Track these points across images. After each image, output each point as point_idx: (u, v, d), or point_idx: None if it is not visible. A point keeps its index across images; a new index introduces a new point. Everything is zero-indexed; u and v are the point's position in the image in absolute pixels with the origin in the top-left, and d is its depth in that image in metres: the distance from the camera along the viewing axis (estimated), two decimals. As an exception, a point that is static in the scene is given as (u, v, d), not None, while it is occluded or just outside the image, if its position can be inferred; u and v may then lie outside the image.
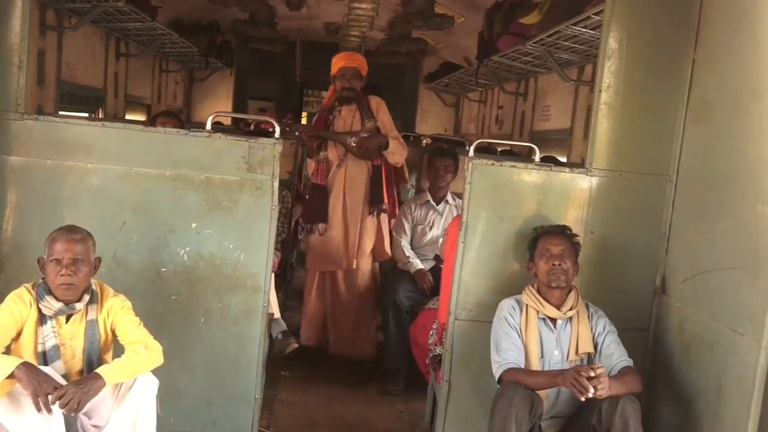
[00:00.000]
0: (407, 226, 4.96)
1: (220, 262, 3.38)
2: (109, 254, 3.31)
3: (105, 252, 3.25)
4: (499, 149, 6.23)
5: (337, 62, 4.83)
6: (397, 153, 4.76)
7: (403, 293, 4.64)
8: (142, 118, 7.45)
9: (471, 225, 3.43)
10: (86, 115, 6.35)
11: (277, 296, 4.44)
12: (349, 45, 8.90)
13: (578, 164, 4.38)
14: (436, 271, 4.79)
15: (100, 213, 3.31)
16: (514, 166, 3.44)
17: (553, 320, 3.21)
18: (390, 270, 5.07)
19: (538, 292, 3.23)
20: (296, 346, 4.19)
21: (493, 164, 3.43)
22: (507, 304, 3.27)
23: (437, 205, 4.98)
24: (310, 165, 4.91)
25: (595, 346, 3.18)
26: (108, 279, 3.16)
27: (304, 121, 13.91)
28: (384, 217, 4.90)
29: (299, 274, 7.26)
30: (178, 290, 3.38)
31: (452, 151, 5.08)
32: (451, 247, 3.61)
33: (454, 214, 4.95)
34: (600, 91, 3.43)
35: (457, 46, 9.58)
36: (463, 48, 9.49)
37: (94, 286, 2.90)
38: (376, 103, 4.85)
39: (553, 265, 3.19)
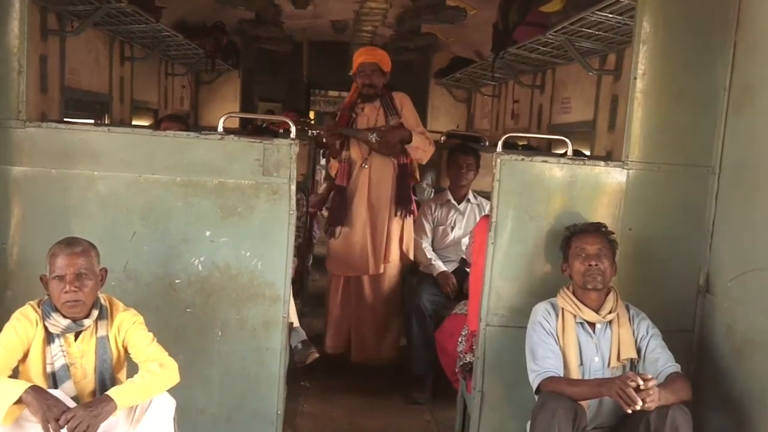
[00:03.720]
0: (428, 227, 4.77)
1: (236, 271, 3.20)
2: (120, 266, 3.14)
3: (115, 264, 3.10)
4: (520, 144, 6.02)
5: (357, 58, 4.66)
6: (420, 148, 4.57)
7: (427, 297, 4.44)
8: (148, 123, 7.26)
9: (500, 225, 3.23)
10: (92, 121, 6.17)
11: (295, 304, 4.26)
12: (359, 42, 8.71)
13: (611, 158, 4.19)
14: (459, 273, 4.60)
15: (108, 223, 3.14)
16: (546, 161, 3.24)
17: (592, 324, 3.01)
18: (410, 272, 4.88)
19: (574, 294, 3.04)
20: (317, 356, 4.00)
21: (522, 160, 3.23)
22: (541, 309, 3.07)
23: (458, 204, 4.79)
24: (333, 166, 4.74)
25: (638, 351, 2.98)
26: (119, 292, 3.00)
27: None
28: (409, 218, 4.71)
29: (314, 278, 7.08)
30: (193, 302, 3.19)
31: (474, 148, 4.88)
32: (479, 250, 3.42)
33: (477, 214, 4.77)
34: (635, 78, 3.23)
35: (468, 41, 9.36)
36: (474, 42, 9.27)
37: (102, 301, 2.72)
38: (400, 99, 4.66)
39: (590, 265, 2.99)
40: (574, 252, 3.06)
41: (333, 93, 18.33)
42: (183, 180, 3.14)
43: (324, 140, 4.67)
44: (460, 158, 4.73)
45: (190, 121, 9.53)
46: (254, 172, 3.15)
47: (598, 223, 3.12)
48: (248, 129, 5.06)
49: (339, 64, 12.30)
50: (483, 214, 4.77)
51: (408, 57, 10.34)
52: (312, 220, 6.16)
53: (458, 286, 4.48)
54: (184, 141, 3.17)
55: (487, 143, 3.39)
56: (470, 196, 4.81)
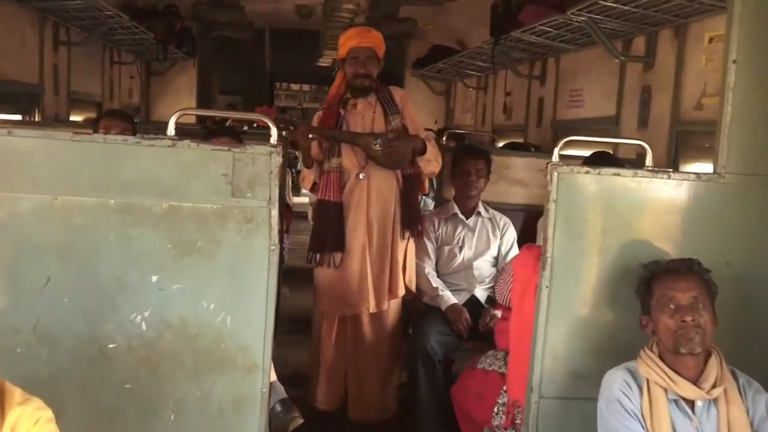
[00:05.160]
0: (431, 248, 3.89)
1: (195, 330, 2.28)
2: (27, 326, 2.22)
3: (20, 323, 2.22)
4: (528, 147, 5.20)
5: (347, 41, 3.69)
6: (434, 160, 3.67)
7: (435, 338, 3.57)
8: (92, 117, 6.25)
9: (559, 261, 2.37)
10: (18, 117, 5.17)
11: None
12: (332, 27, 7.81)
13: (642, 163, 3.37)
14: (471, 305, 3.75)
15: (9, 265, 2.21)
16: (618, 175, 2.39)
17: (690, 402, 2.18)
18: (410, 304, 4.00)
19: (662, 359, 2.20)
20: (301, 421, 3.09)
21: (588, 172, 2.37)
22: (618, 379, 2.23)
23: (467, 218, 3.92)
24: (306, 177, 3.78)
25: (756, 437, 2.16)
26: (26, 364, 2.16)
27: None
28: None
29: (284, 294, 6.16)
30: (135, 375, 2.27)
31: (483, 150, 4.02)
32: (523, 292, 2.57)
33: (489, 230, 3.92)
34: (734, 61, 2.39)
35: (448, 28, 8.54)
36: (455, 29, 8.47)
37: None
38: (401, 96, 3.75)
39: (683, 321, 2.15)
40: (659, 301, 2.22)
41: (295, 86, 17.43)
42: (119, 203, 2.22)
43: (300, 143, 3.67)
44: (468, 163, 3.86)
45: (140, 116, 8.53)
46: (220, 193, 2.24)
47: (690, 259, 2.28)
48: (206, 127, 4.07)
49: (303, 54, 11.49)
50: (499, 230, 3.93)
51: (381, 45, 9.49)
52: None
53: (472, 322, 3.64)
54: (120, 148, 2.23)
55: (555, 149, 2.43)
56: (480, 208, 3.95)
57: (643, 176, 2.39)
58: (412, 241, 3.77)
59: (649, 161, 2.45)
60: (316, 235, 3.71)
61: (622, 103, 4.53)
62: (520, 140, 6.35)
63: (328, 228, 3.63)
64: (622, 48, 4.46)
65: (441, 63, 7.88)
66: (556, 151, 2.40)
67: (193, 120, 7.58)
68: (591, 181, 2.37)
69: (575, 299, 2.41)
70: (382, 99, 3.66)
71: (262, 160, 2.25)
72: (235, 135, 3.61)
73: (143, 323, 2.26)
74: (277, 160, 2.26)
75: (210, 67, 9.88)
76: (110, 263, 2.24)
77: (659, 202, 2.40)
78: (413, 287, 3.79)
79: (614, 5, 3.68)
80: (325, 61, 11.06)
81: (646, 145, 2.49)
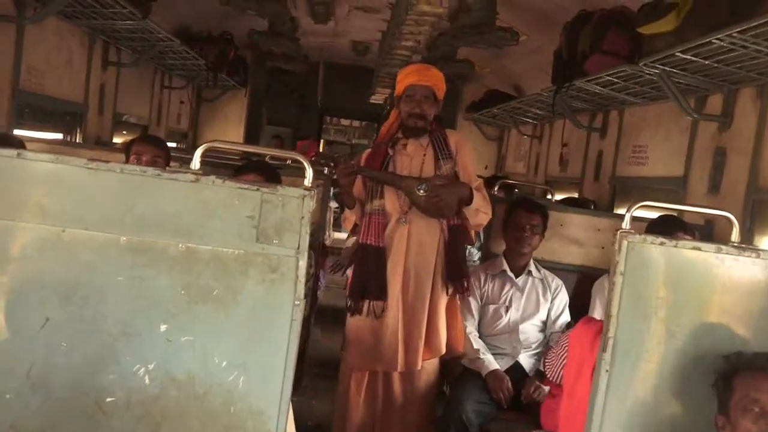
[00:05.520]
0: (474, 305, 3.61)
1: (204, 389, 2.02)
2: (21, 370, 1.98)
3: (14, 366, 1.97)
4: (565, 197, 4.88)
5: (405, 78, 3.44)
6: (482, 212, 3.39)
7: (472, 406, 3.27)
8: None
9: (622, 342, 2.06)
10: (59, 136, 5.05)
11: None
12: (389, 65, 7.65)
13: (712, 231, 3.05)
14: (515, 372, 3.44)
15: (5, 302, 1.98)
16: (698, 249, 2.08)
17: None
18: (449, 363, 3.68)
19: (744, 469, 1.88)
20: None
21: (663, 244, 2.06)
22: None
23: (516, 277, 3.63)
24: (348, 218, 3.52)
25: None
26: (16, 412, 1.91)
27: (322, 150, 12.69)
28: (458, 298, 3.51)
29: (316, 336, 5.88)
30: (133, 434, 2.03)
31: (540, 204, 3.73)
32: (578, 372, 2.27)
33: (539, 292, 3.62)
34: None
35: (505, 72, 8.31)
36: (513, 74, 8.23)
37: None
38: (457, 140, 3.48)
39: (770, 431, 1.84)
40: (740, 402, 1.91)
41: (345, 122, 17.37)
42: (131, 241, 1.99)
43: (340, 181, 3.42)
44: (522, 217, 3.57)
45: (187, 142, 8.44)
46: (244, 236, 2.00)
47: (782, 353, 1.96)
48: (244, 163, 3.84)
49: (356, 90, 11.38)
50: (550, 292, 3.62)
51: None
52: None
53: (514, 391, 3.32)
54: (137, 180, 2.00)
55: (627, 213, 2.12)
56: (532, 267, 3.66)
57: (727, 252, 2.07)
58: (458, 298, 3.46)
59: (735, 236, 2.14)
60: (357, 281, 3.43)
61: (691, 164, 4.20)
62: (575, 194, 6.05)
63: (369, 274, 3.35)
64: (695, 105, 4.15)
65: (496, 108, 7.63)
66: (627, 216, 2.09)
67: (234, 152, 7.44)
68: (666, 253, 2.07)
69: (638, 387, 2.09)
70: (435, 142, 3.40)
71: (294, 203, 2.00)
72: (271, 171, 3.36)
73: (146, 376, 2.01)
74: (310, 204, 2.01)
75: (261, 97, 9.81)
76: (116, 307, 2.00)
77: (744, 283, 2.08)
78: (460, 347, 3.47)
79: (693, 58, 3.38)
80: (377, 99, 10.93)
81: (732, 218, 2.17)
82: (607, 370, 2.07)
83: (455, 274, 3.37)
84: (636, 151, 5.04)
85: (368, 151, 3.56)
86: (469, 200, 3.32)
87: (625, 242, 2.03)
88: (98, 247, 1.99)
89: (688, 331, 2.08)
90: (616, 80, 4.40)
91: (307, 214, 1.99)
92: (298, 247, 2.01)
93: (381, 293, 3.33)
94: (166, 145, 3.71)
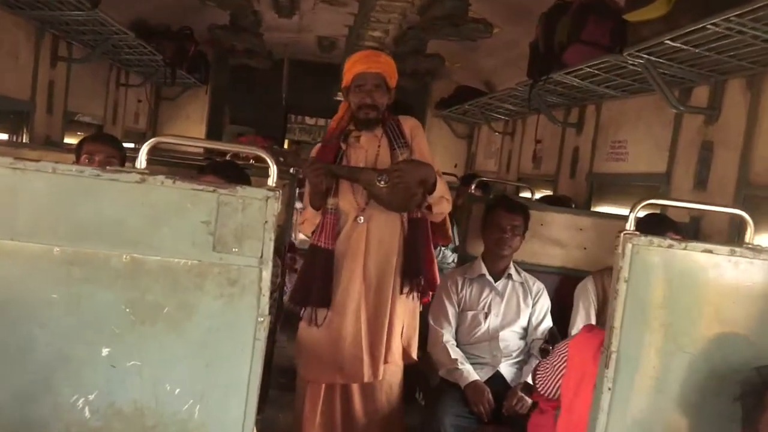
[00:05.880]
0: (451, 312, 3.37)
1: (154, 421, 1.76)
2: (-61, 404, 1.70)
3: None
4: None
5: (352, 66, 3.17)
6: (445, 199, 3.15)
7: (450, 420, 3.03)
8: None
9: (626, 356, 1.84)
10: (4, 137, 4.72)
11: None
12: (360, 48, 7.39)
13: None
14: (495, 382, 3.22)
15: None
16: (710, 252, 1.86)
17: None
18: (414, 376, 3.45)
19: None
20: None
21: (671, 247, 1.85)
22: None
23: (496, 281, 3.40)
24: (307, 218, 3.24)
25: None
26: None
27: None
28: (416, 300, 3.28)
29: (282, 344, 5.60)
30: (72, 475, 1.76)
31: (522, 204, 3.51)
32: (578, 386, 2.04)
33: (520, 296, 3.41)
34: None
35: (476, 68, 8.09)
36: (483, 69, 8.02)
37: None
38: (411, 126, 3.23)
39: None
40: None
41: (310, 120, 17.05)
42: (66, 253, 1.72)
43: (311, 180, 3.16)
44: (503, 217, 3.35)
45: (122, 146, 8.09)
46: (198, 245, 1.74)
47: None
48: (206, 163, 3.54)
49: (322, 87, 11.10)
50: (531, 297, 3.41)
51: (402, 83, 9.03)
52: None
53: (495, 403, 3.10)
54: (72, 182, 1.73)
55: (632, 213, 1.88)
56: (512, 270, 3.43)
57: (741, 255, 1.86)
58: (414, 298, 3.22)
59: (749, 236, 1.93)
60: (299, 285, 3.19)
61: (675, 160, 4.00)
62: (548, 192, 5.86)
63: (313, 279, 3.10)
64: (679, 97, 3.96)
65: (467, 104, 7.41)
66: (632, 217, 1.87)
67: (200, 151, 7.14)
68: (674, 257, 1.85)
69: (645, 405, 1.88)
70: (390, 131, 3.16)
71: (256, 206, 1.75)
72: (235, 172, 3.07)
73: (86, 408, 1.74)
74: (275, 207, 1.76)
75: (223, 96, 9.50)
76: (49, 329, 1.73)
77: (760, 288, 1.88)
78: (413, 353, 3.24)
79: (683, 47, 3.17)
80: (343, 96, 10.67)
81: (746, 216, 1.96)
82: (609, 388, 1.85)
83: (411, 269, 3.13)
84: (615, 147, 4.85)
85: (318, 146, 3.31)
86: (433, 185, 3.08)
87: (629, 246, 1.82)
88: (28, 259, 1.72)
89: (700, 344, 1.87)
90: (596, 72, 4.19)
91: (271, 218, 1.75)
92: (261, 256, 1.76)
93: (325, 300, 3.09)
94: (122, 145, 3.41)
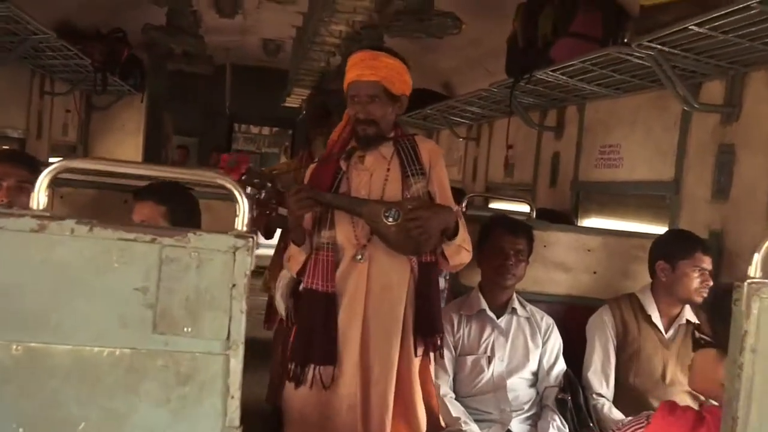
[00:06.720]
0: (447, 357, 2.79)
1: None
2: None
3: None
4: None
5: (348, 71, 2.52)
6: (464, 248, 2.50)
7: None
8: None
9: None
10: None
11: None
12: (306, 68, 6.84)
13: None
14: (506, 441, 2.66)
15: None
16: None
17: None
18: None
19: None
20: None
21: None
22: None
23: (498, 318, 2.84)
24: (293, 257, 2.57)
25: None
26: None
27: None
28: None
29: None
30: None
31: (525, 224, 2.96)
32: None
33: (527, 335, 2.86)
34: None
35: (434, 69, 7.58)
36: (442, 71, 7.52)
37: None
38: (430, 151, 2.57)
39: None
40: None
41: (254, 129, 16.37)
42: None
43: (292, 211, 2.49)
44: (505, 240, 2.78)
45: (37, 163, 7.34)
46: (130, 325, 1.14)
47: None
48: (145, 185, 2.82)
49: (266, 94, 10.51)
50: (540, 334, 2.86)
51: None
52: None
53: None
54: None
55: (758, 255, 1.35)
56: (515, 303, 2.88)
57: None
58: (431, 359, 2.60)
59: None
60: (300, 339, 2.52)
61: (685, 165, 3.53)
62: (524, 204, 5.36)
63: (314, 330, 2.45)
64: (687, 94, 3.49)
65: (428, 109, 6.87)
66: (756, 258, 1.32)
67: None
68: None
69: None
70: (403, 152, 2.52)
71: (219, 261, 1.16)
72: (181, 196, 2.42)
73: None
74: (247, 262, 1.16)
75: (162, 104, 8.82)
76: None
77: None
78: (443, 422, 2.63)
79: (709, 33, 2.68)
80: (292, 102, 10.09)
81: None
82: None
83: (427, 327, 2.51)
84: (605, 152, 4.36)
85: (312, 166, 2.66)
86: (453, 232, 2.47)
87: (756, 301, 1.27)
88: None
89: None
90: (590, 67, 3.69)
91: (241, 279, 1.16)
92: (228, 337, 1.16)
93: (329, 356, 2.44)
94: (39, 165, 2.69)
